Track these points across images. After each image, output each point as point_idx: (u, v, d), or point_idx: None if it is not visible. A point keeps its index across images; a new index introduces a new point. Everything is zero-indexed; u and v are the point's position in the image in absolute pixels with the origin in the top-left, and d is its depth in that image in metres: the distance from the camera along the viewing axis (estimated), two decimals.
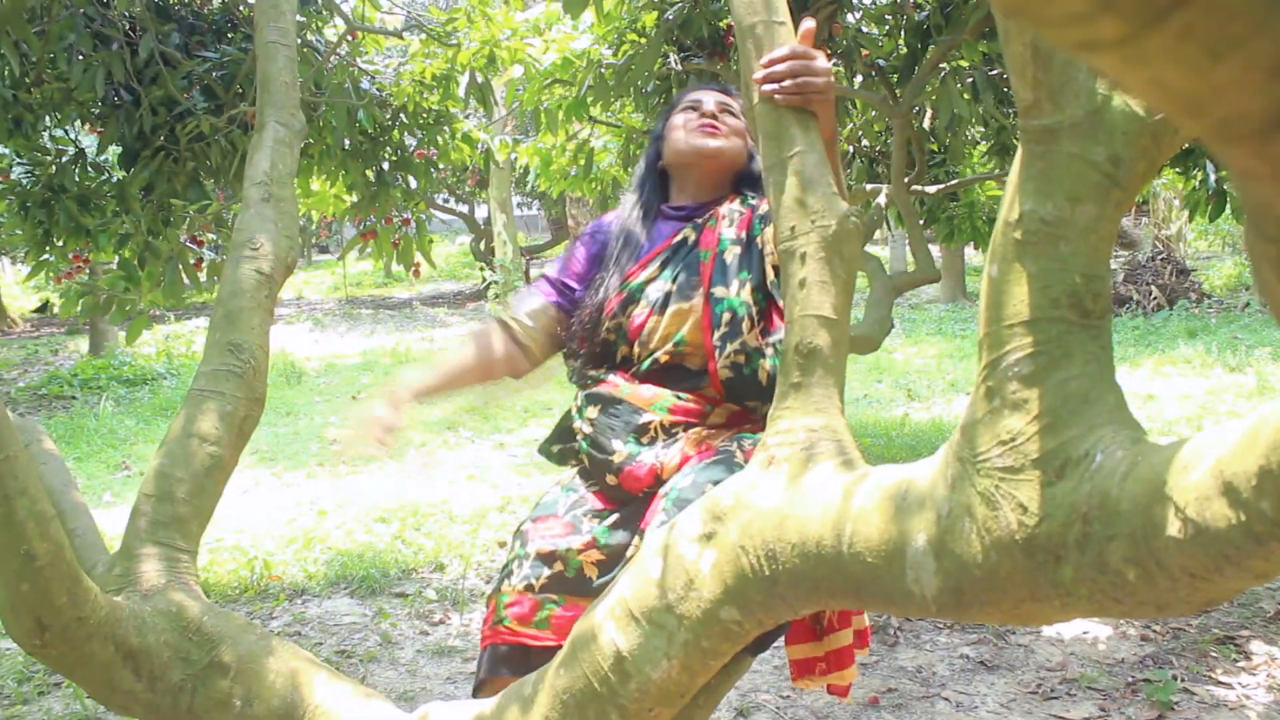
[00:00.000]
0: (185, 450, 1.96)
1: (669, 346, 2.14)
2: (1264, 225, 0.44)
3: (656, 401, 2.11)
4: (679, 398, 2.11)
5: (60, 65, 4.36)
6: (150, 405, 9.55)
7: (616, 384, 2.16)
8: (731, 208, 2.27)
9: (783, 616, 1.42)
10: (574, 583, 2.01)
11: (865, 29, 4.75)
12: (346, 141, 4.77)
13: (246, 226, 2.25)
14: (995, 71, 4.44)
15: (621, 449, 2.09)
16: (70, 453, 7.74)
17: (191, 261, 4.52)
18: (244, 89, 4.45)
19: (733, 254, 2.19)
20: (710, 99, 2.33)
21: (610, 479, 2.09)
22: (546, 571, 2.01)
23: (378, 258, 5.14)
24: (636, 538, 2.00)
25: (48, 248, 4.73)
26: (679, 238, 2.25)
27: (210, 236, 4.91)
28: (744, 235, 2.21)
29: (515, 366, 2.31)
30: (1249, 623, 3.90)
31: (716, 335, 2.10)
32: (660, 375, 2.15)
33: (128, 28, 4.42)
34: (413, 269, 5.29)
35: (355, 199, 5.09)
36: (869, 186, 5.41)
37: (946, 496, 1.24)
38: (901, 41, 4.64)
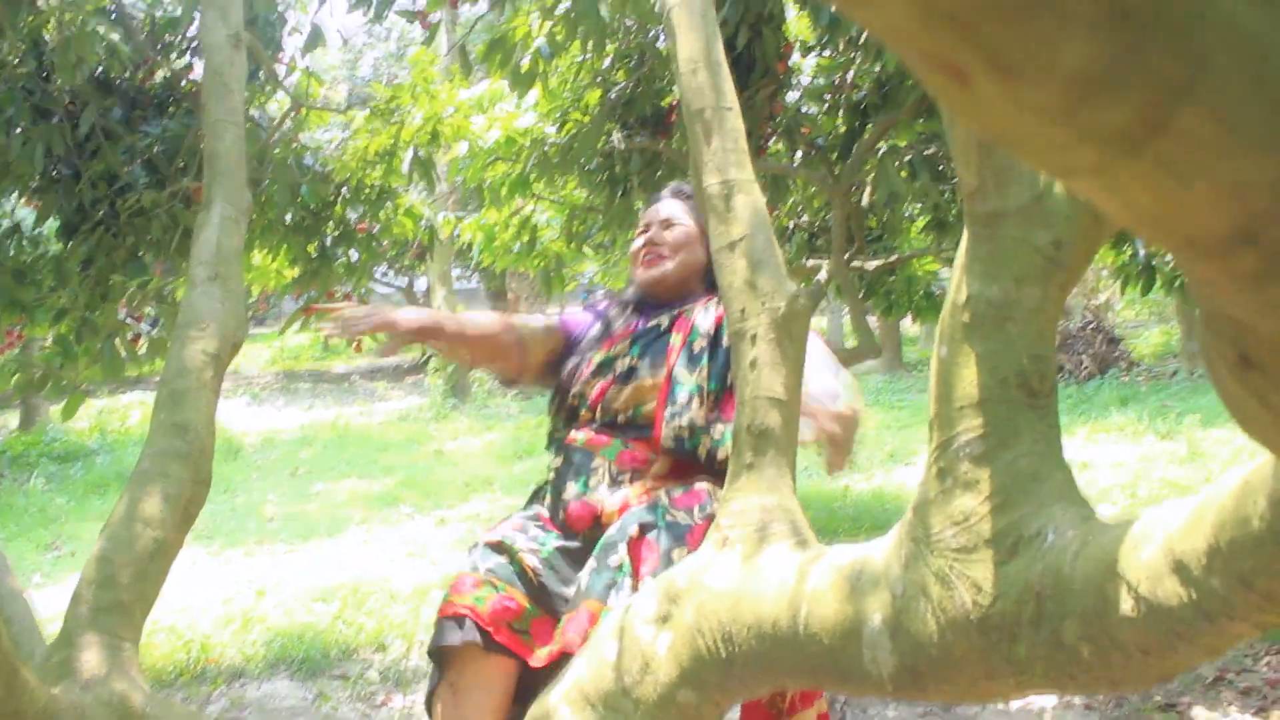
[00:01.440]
0: (128, 534, 1.92)
1: (628, 414, 2.29)
2: (1222, 329, 0.46)
3: (606, 448, 2.26)
4: (626, 445, 2.25)
5: None
6: (83, 482, 9.34)
7: (575, 436, 2.31)
8: (709, 302, 2.41)
9: (739, 698, 1.42)
10: (516, 575, 2.09)
11: (805, 108, 4.85)
12: (289, 216, 4.75)
13: (193, 306, 2.23)
14: (931, 150, 4.54)
15: (572, 488, 2.23)
16: None
17: (129, 337, 4.47)
18: (186, 163, 4.43)
19: (700, 345, 2.32)
20: (657, 218, 2.49)
21: (560, 515, 2.22)
22: (494, 558, 2.11)
23: (319, 333, 5.10)
24: (574, 583, 2.07)
25: None
26: (653, 324, 2.42)
27: (148, 311, 4.86)
28: (714, 332, 2.34)
29: (507, 368, 2.48)
30: (1189, 688, 3.94)
31: (669, 410, 2.24)
32: (613, 428, 2.30)
33: (68, 101, 4.39)
34: (355, 343, 5.25)
35: (297, 273, 5.06)
36: (810, 262, 5.49)
37: (901, 576, 1.25)
38: (840, 120, 4.74)
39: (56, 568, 6.60)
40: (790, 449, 1.54)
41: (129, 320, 4.47)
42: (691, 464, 2.24)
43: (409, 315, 2.31)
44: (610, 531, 2.06)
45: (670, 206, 2.50)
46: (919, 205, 5.69)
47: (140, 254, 4.49)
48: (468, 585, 2.06)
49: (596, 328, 2.48)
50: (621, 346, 2.38)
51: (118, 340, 4.22)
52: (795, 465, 1.57)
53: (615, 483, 2.21)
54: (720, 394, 2.26)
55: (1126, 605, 1.00)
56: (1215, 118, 0.32)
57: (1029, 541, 1.14)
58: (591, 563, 2.03)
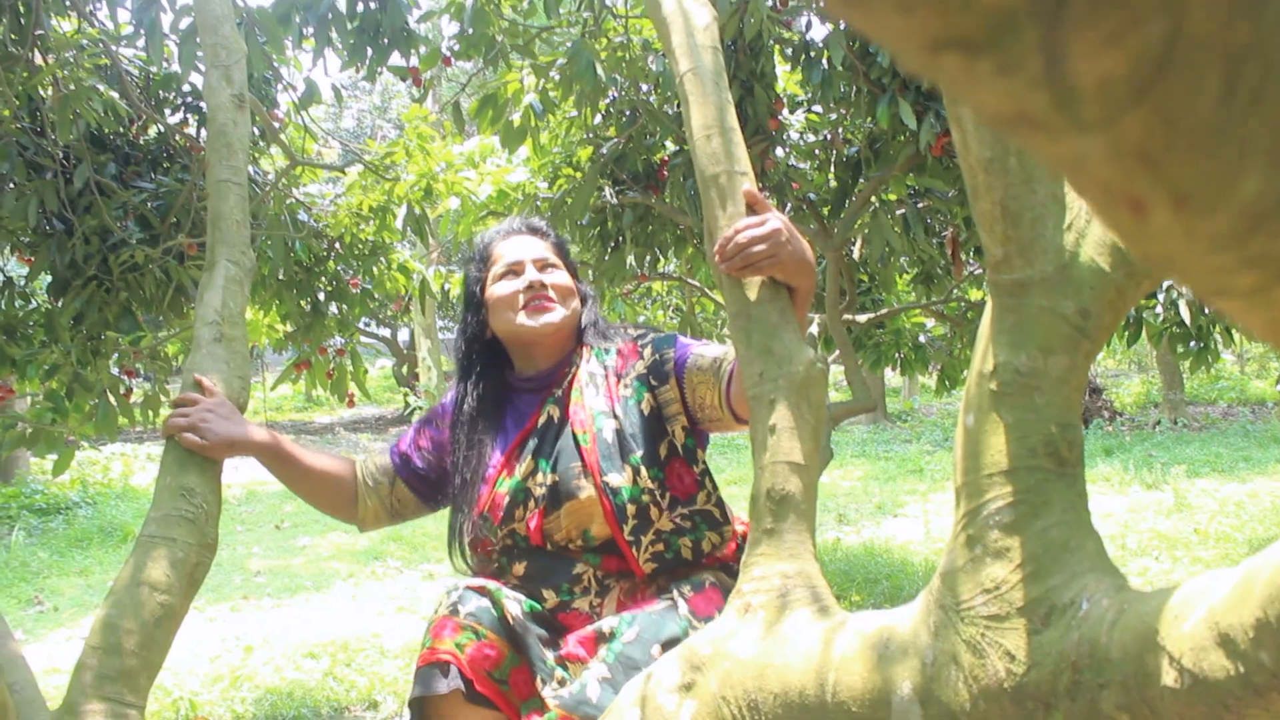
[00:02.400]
0: (134, 599, 1.90)
1: (578, 541, 2.07)
2: None
3: (588, 554, 2.08)
4: (602, 557, 2.09)
5: None
6: (65, 536, 9.23)
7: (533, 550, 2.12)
8: (588, 369, 2.19)
9: None
10: (498, 620, 1.98)
11: (796, 164, 4.89)
12: (281, 271, 4.76)
13: (198, 366, 2.22)
14: (923, 205, 4.59)
15: (552, 597, 2.06)
16: None
17: (122, 391, 4.44)
18: (180, 219, 4.43)
19: (610, 430, 2.09)
20: (528, 258, 2.24)
21: (550, 620, 2.06)
22: (476, 601, 1.99)
23: (312, 387, 5.09)
24: (557, 649, 1.98)
25: None
26: (543, 418, 2.17)
27: (139, 366, 4.84)
28: (618, 406, 2.12)
29: (345, 519, 2.38)
30: None
31: (627, 530, 2.03)
32: (571, 551, 2.10)
33: (62, 156, 4.40)
34: (346, 398, 5.24)
35: (289, 328, 5.06)
36: None
37: (930, 644, 1.25)
38: (832, 176, 4.78)
39: (39, 624, 6.51)
40: (810, 514, 1.54)
41: (120, 376, 4.45)
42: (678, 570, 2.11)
43: (226, 438, 2.06)
44: (627, 639, 1.89)
45: (536, 244, 2.27)
46: (906, 259, 5.74)
47: (132, 310, 4.48)
48: (448, 630, 1.96)
49: (471, 438, 2.22)
50: (527, 464, 2.11)
51: (111, 396, 4.19)
52: (815, 530, 1.57)
53: (603, 588, 2.06)
54: (664, 475, 2.07)
55: (1169, 677, 0.99)
56: None
57: (1063, 610, 1.14)
58: (602, 669, 1.87)
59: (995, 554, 1.20)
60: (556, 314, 2.19)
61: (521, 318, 2.19)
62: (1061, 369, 1.22)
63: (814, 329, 5.26)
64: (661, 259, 5.53)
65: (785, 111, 4.72)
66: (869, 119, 4.22)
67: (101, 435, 4.10)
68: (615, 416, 2.10)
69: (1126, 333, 5.62)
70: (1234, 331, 5.55)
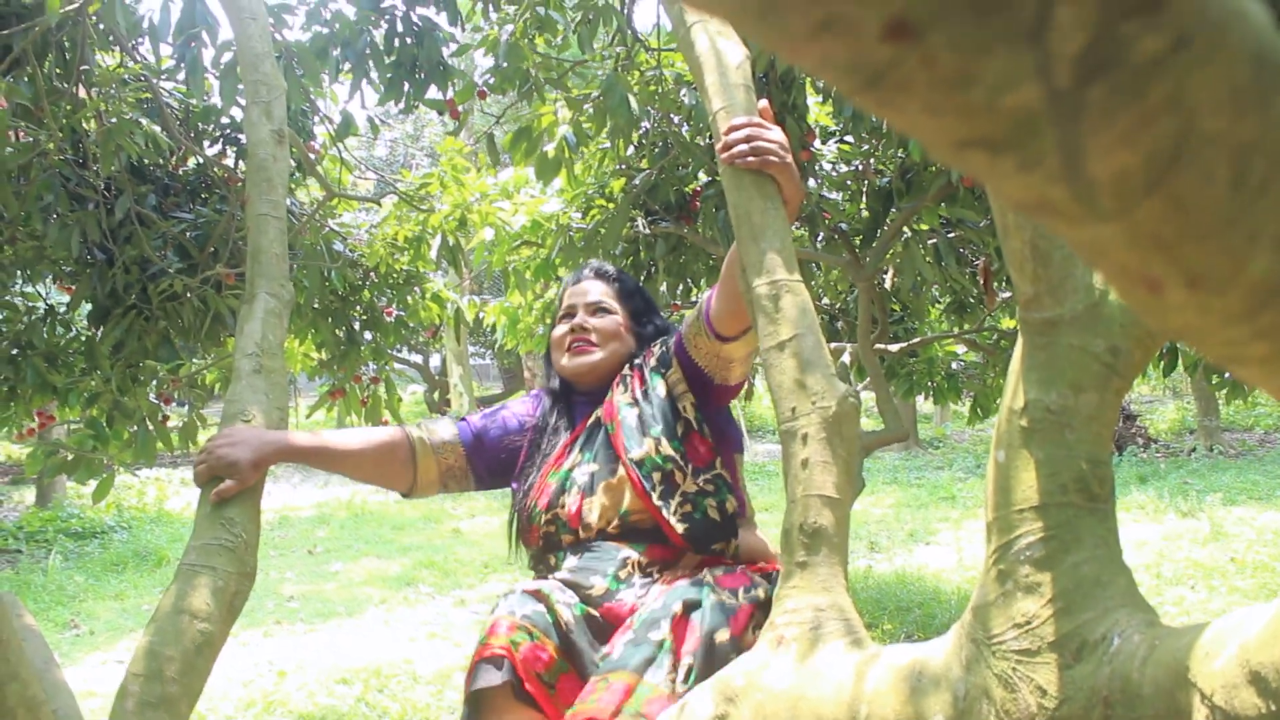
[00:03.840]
0: (176, 627, 1.93)
1: (615, 521, 2.19)
2: None
3: (632, 544, 2.17)
4: (647, 544, 2.17)
5: (35, 223, 4.39)
6: (101, 560, 9.31)
7: (592, 546, 2.21)
8: (623, 374, 2.36)
9: None
10: (551, 625, 2.02)
11: (828, 194, 4.91)
12: (316, 301, 4.81)
13: (238, 398, 2.26)
14: (955, 235, 4.60)
15: (600, 583, 2.12)
16: None
17: (159, 417, 4.51)
18: (218, 249, 4.50)
19: (633, 416, 2.27)
20: (582, 302, 2.42)
21: (592, 610, 2.11)
22: (531, 605, 2.03)
23: (345, 415, 5.14)
24: (603, 649, 2.02)
25: (12, 404, 4.69)
26: (591, 420, 2.34)
27: (177, 394, 4.91)
28: (638, 394, 2.30)
29: (397, 485, 2.40)
30: None
31: (655, 496, 2.16)
32: (621, 540, 2.20)
33: (104, 188, 4.48)
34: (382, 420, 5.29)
35: (324, 356, 5.11)
36: (833, 346, 5.53)
37: (962, 677, 1.26)
38: (864, 206, 4.80)
39: (75, 647, 6.57)
40: (843, 547, 1.55)
41: (158, 403, 4.51)
42: (714, 547, 2.19)
43: (248, 456, 2.09)
44: (653, 606, 1.98)
45: (596, 288, 2.44)
46: (939, 288, 5.74)
47: (171, 338, 4.55)
48: (503, 628, 1.99)
49: (532, 437, 2.41)
50: (574, 457, 2.30)
51: (150, 423, 4.25)
52: (847, 562, 1.58)
53: (645, 575, 2.14)
54: (685, 451, 2.21)
55: (1200, 714, 1.00)
56: None
57: (1094, 646, 1.15)
58: (629, 634, 1.95)
59: (1026, 589, 1.21)
60: (592, 356, 2.37)
61: (565, 358, 2.40)
62: (1092, 406, 1.24)
63: (846, 358, 5.27)
64: (694, 288, 5.57)
65: (817, 143, 4.75)
66: (900, 150, 4.24)
67: (140, 461, 4.15)
68: (636, 404, 2.28)
69: (1162, 362, 5.59)
70: None
